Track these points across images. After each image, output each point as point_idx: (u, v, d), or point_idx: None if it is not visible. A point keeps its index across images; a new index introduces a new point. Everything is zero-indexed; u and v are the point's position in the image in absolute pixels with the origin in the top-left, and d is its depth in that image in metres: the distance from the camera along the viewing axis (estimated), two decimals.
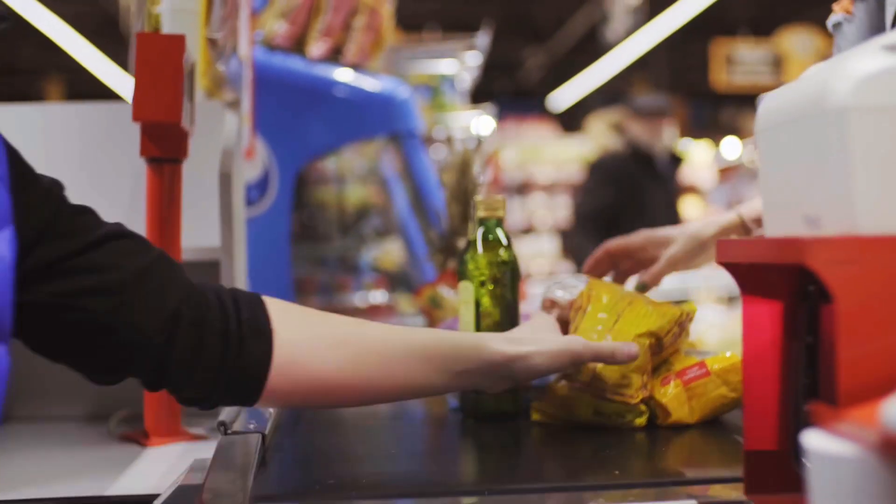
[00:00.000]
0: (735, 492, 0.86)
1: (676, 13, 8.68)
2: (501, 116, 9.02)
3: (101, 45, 10.58)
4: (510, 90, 14.07)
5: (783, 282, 0.82)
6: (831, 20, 1.22)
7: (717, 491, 0.90)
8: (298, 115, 2.17)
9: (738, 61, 8.61)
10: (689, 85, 12.52)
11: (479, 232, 1.28)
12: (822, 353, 0.77)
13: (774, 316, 0.84)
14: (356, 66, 2.29)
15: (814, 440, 0.61)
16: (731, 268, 0.85)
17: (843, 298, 0.67)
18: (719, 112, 12.51)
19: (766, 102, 0.83)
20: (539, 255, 7.49)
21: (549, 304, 1.33)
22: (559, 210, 8.22)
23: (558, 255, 7.77)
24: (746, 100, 8.16)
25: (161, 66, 1.26)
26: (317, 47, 2.24)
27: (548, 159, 8.29)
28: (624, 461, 1.05)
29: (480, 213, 1.28)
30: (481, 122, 3.37)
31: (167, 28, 1.49)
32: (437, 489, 0.94)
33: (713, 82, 8.99)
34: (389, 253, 3.08)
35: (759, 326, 0.84)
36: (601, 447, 1.08)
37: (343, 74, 2.28)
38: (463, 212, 1.86)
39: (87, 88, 12.22)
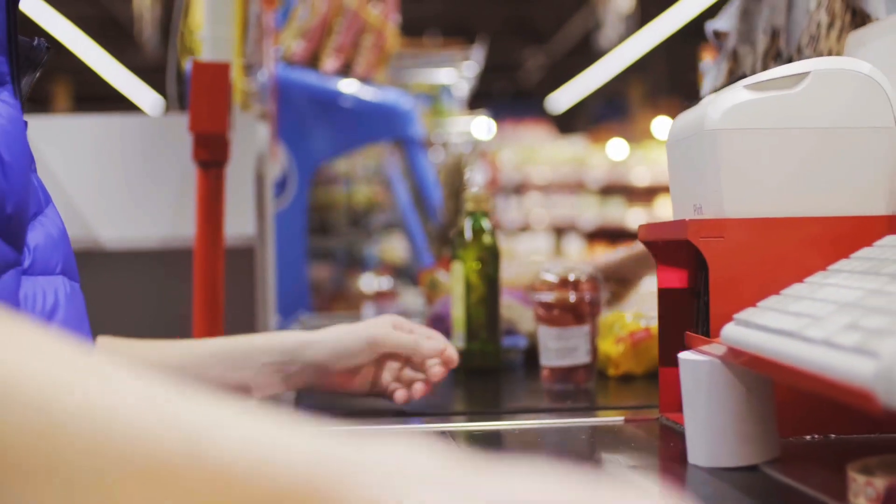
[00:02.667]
0: (655, 411, 1.16)
1: (673, 16, 8.94)
2: (500, 118, 9.30)
3: (104, 47, 10.86)
4: (510, 91, 14.32)
5: (686, 255, 1.12)
6: (702, 66, 1.54)
7: (642, 412, 1.19)
8: (314, 122, 2.46)
9: None
10: (686, 87, 12.78)
11: (468, 222, 1.59)
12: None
13: (681, 280, 1.14)
14: (364, 79, 2.59)
15: (684, 355, 0.91)
16: (649, 245, 1.16)
17: (713, 262, 0.98)
18: None
19: (671, 124, 1.13)
20: (535, 252, 7.77)
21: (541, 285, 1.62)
22: (555, 209, 8.51)
23: (553, 253, 8.07)
24: None
25: (211, 87, 1.56)
26: (330, 63, 2.54)
27: (544, 160, 8.57)
28: (577, 396, 1.35)
29: (469, 207, 1.58)
30: (478, 125, 3.66)
31: (207, 53, 1.79)
32: (434, 412, 1.24)
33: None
34: (392, 246, 3.38)
35: (670, 288, 1.14)
36: (564, 389, 1.38)
37: (353, 87, 2.57)
38: (457, 207, 2.16)
39: (93, 90, 12.50)
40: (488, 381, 1.49)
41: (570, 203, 8.49)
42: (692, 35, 9.78)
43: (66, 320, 0.95)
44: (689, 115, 1.08)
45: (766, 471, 0.86)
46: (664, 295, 1.14)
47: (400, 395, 1.19)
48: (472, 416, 1.23)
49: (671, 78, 12.20)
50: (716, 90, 1.47)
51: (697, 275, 1.12)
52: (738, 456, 0.87)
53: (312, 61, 2.56)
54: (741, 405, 0.86)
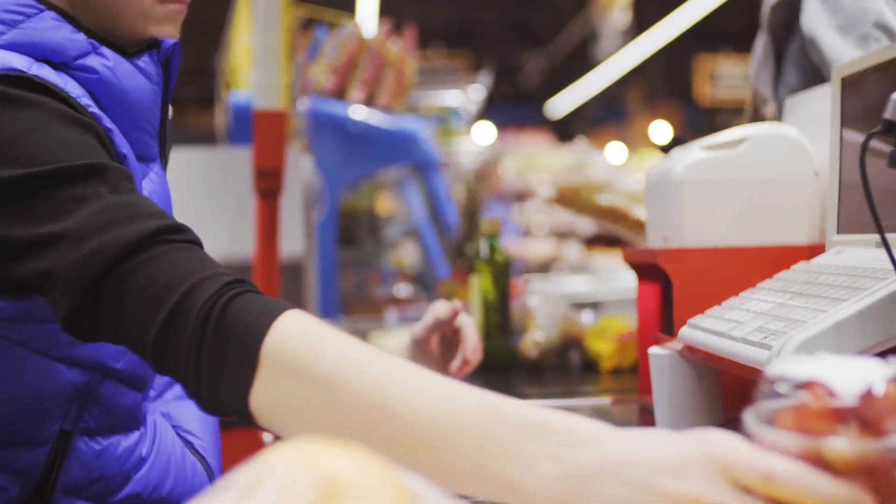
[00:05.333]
0: (635, 395, 1.48)
1: (671, 22, 9.22)
2: (501, 126, 9.63)
3: None
4: (510, 95, 14.58)
5: (658, 274, 1.44)
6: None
7: (626, 396, 1.52)
8: (342, 148, 2.79)
9: (721, 76, 9.21)
10: (685, 91, 13.07)
11: (484, 243, 1.91)
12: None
13: (655, 294, 1.46)
14: (386, 109, 2.91)
15: (652, 350, 1.23)
16: (632, 265, 1.48)
17: (676, 280, 1.30)
18: (715, 118, 13.08)
19: (648, 173, 1.46)
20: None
21: None
22: (556, 215, 8.82)
23: (553, 257, 8.36)
24: (738, 108, 8.72)
25: (271, 132, 1.89)
26: (356, 94, 2.87)
27: (544, 168, 8.88)
28: (569, 384, 1.67)
29: (484, 231, 1.91)
30: (483, 133, 3.96)
31: (258, 98, 2.10)
32: None
33: (697, 96, 9.61)
34: (407, 255, 3.71)
35: (647, 299, 1.47)
36: (565, 378, 1.71)
37: (376, 116, 2.90)
38: (469, 226, 2.49)
39: None
40: (501, 374, 1.82)
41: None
42: (690, 40, 10.12)
43: None
44: (661, 167, 1.40)
45: None
46: (642, 305, 1.47)
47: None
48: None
49: (669, 82, 12.50)
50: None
51: (666, 289, 1.44)
52: (691, 423, 1.19)
53: (340, 93, 2.88)
54: (693, 387, 1.19)
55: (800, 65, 1.56)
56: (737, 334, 1.03)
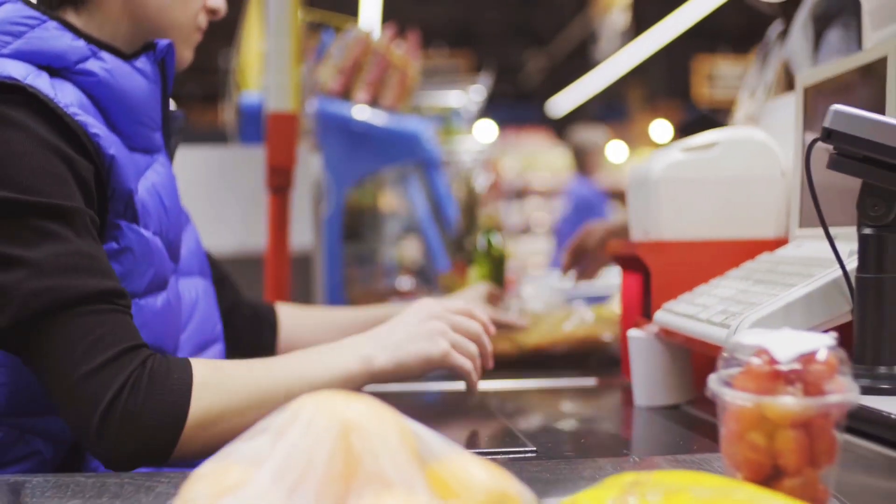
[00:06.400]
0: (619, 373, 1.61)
1: (670, 24, 9.33)
2: (502, 124, 9.77)
3: None
4: (511, 94, 14.67)
5: (640, 265, 1.57)
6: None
7: (612, 376, 1.64)
8: (348, 147, 2.92)
9: (718, 76, 9.34)
10: (684, 91, 13.15)
11: (482, 236, 2.04)
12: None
13: (637, 283, 1.59)
14: (390, 110, 3.04)
15: (630, 332, 1.36)
16: (615, 258, 1.61)
17: (654, 270, 1.43)
18: (716, 116, 13.13)
19: (630, 171, 1.58)
20: (535, 253, 8.23)
21: None
22: (554, 213, 8.96)
23: (552, 254, 8.51)
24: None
25: (283, 133, 2.02)
26: (361, 95, 3.00)
27: (544, 167, 9.03)
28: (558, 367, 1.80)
29: (482, 225, 2.04)
30: (483, 131, 4.07)
31: (271, 100, 2.23)
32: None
33: (695, 96, 9.73)
34: (409, 249, 3.84)
35: (630, 289, 1.59)
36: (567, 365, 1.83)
37: (380, 116, 3.03)
38: (470, 220, 2.62)
39: None
40: (500, 359, 1.94)
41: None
42: (689, 40, 10.24)
43: (205, 309, 1.40)
44: (642, 168, 1.53)
45: (684, 408, 1.32)
46: (626, 293, 1.60)
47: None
48: (498, 378, 1.68)
49: (669, 82, 12.60)
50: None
51: (646, 279, 1.57)
52: (665, 398, 1.33)
53: (346, 94, 3.01)
54: (667, 365, 1.32)
55: (839, 52, 1.66)
56: (703, 316, 1.16)
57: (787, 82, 1.87)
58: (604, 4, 8.38)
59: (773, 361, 0.74)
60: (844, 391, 0.72)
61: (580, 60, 11.50)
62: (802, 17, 1.78)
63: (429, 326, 1.22)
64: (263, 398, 1.08)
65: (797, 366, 0.73)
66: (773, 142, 1.45)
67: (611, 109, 13.66)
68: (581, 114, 14.23)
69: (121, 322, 1.05)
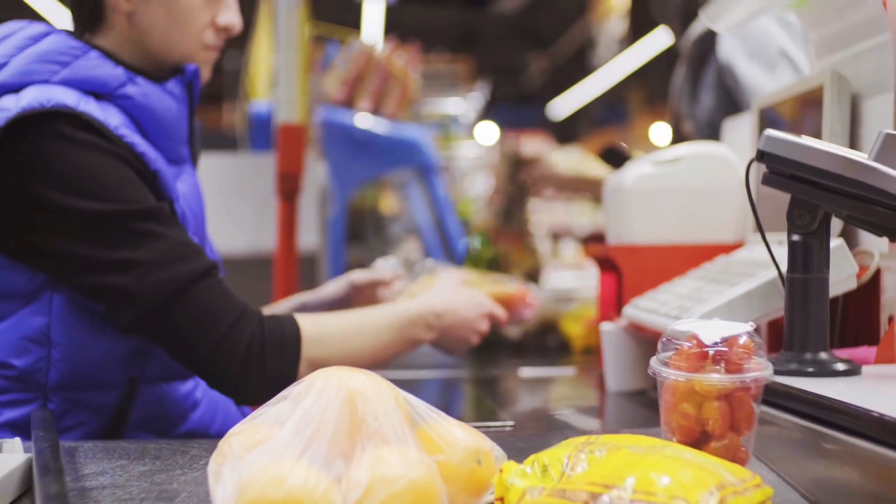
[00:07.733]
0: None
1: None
2: (503, 127, 9.89)
3: None
4: (513, 95, 14.74)
5: (614, 265, 1.74)
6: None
7: (588, 367, 1.81)
8: (351, 153, 3.09)
9: None
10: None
11: (477, 239, 2.21)
12: None
13: (612, 282, 1.76)
14: (391, 118, 3.22)
15: (602, 325, 1.53)
16: (593, 258, 1.78)
17: (625, 270, 1.60)
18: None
19: (607, 183, 1.75)
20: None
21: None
22: (554, 215, 9.10)
23: (552, 254, 8.66)
24: None
25: (293, 142, 2.19)
26: (363, 104, 3.17)
27: None
28: (545, 360, 1.97)
29: (477, 228, 2.21)
30: (486, 135, 4.21)
31: (280, 111, 2.40)
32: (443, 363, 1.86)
33: None
34: (409, 251, 4.01)
35: (606, 287, 1.76)
36: (542, 356, 2.01)
37: (382, 124, 3.21)
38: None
39: None
40: (488, 352, 2.12)
41: (566, 210, 9.07)
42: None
43: None
44: (616, 179, 1.70)
45: (649, 392, 1.49)
46: (603, 292, 1.77)
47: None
48: (484, 368, 1.85)
49: (669, 85, 12.63)
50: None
51: (620, 279, 1.74)
52: (633, 383, 1.50)
53: (349, 103, 3.18)
54: (633, 354, 1.49)
55: (715, 89, 1.86)
56: (662, 311, 1.33)
57: (675, 127, 2.06)
58: (602, 11, 8.54)
59: (701, 345, 0.91)
60: (761, 369, 0.89)
61: (582, 63, 11.56)
62: (683, 61, 1.99)
63: (475, 327, 1.47)
64: (354, 347, 1.35)
65: (721, 348, 0.90)
66: (733, 156, 1.62)
67: (612, 112, 13.71)
68: (582, 116, 14.32)
69: (226, 291, 1.28)
